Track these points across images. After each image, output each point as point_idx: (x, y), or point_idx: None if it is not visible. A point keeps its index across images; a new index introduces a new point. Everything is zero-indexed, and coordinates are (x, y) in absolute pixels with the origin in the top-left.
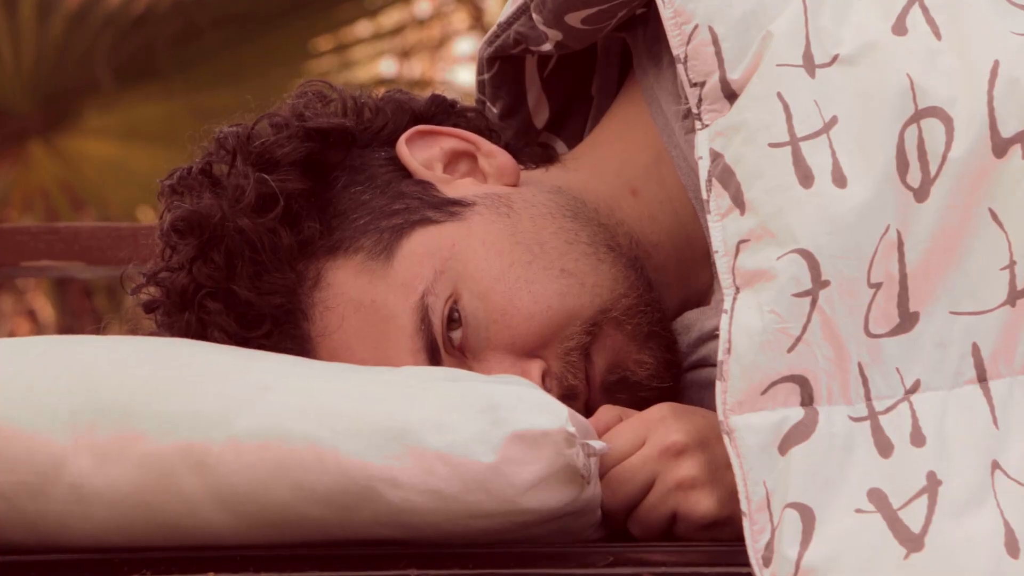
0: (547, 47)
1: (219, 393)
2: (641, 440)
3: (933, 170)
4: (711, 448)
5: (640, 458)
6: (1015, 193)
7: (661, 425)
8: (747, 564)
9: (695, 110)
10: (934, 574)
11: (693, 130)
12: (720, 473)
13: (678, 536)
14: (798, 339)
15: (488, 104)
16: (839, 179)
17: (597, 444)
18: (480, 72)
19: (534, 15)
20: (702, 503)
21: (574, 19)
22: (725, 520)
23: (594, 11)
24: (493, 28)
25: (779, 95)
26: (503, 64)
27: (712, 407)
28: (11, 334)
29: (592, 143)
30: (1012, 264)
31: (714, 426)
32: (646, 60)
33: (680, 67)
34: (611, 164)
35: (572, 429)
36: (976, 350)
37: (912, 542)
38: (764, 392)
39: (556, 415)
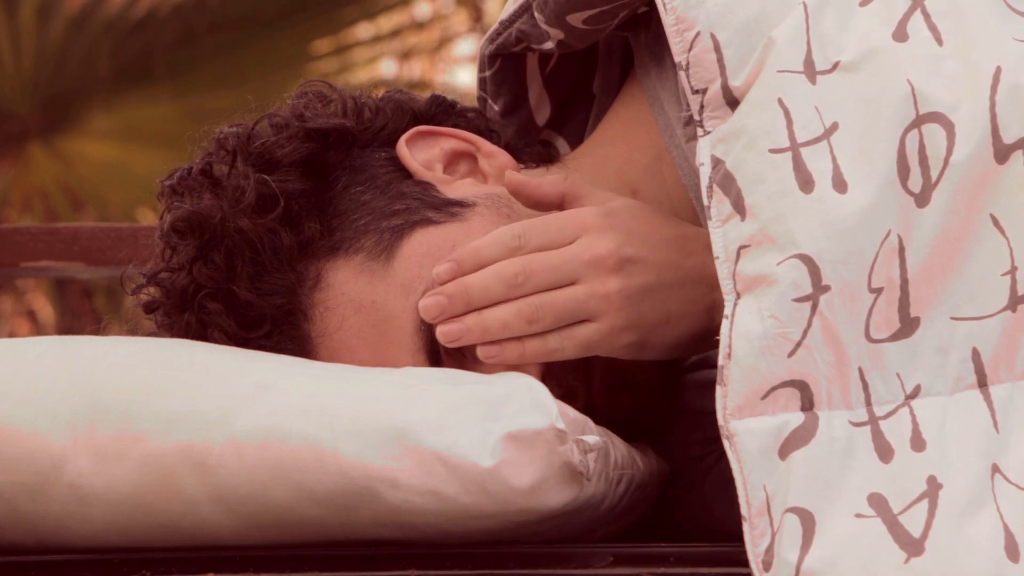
0: (549, 45)
1: (219, 393)
2: (570, 238)
3: (934, 175)
4: (644, 262)
5: (569, 253)
6: (1017, 199)
7: (595, 233)
8: (747, 565)
9: (697, 117)
10: None
11: (695, 137)
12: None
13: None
14: (799, 344)
15: (490, 101)
16: (840, 184)
17: (591, 439)
18: (482, 69)
19: (536, 14)
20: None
21: (576, 19)
22: None
23: (595, 12)
24: (495, 26)
25: (780, 101)
26: (505, 61)
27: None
28: (11, 334)
29: (593, 143)
30: (1013, 270)
31: (653, 234)
32: (648, 59)
33: (682, 74)
34: (612, 164)
35: (561, 425)
36: (976, 355)
37: (912, 546)
38: (764, 397)
39: (546, 413)
